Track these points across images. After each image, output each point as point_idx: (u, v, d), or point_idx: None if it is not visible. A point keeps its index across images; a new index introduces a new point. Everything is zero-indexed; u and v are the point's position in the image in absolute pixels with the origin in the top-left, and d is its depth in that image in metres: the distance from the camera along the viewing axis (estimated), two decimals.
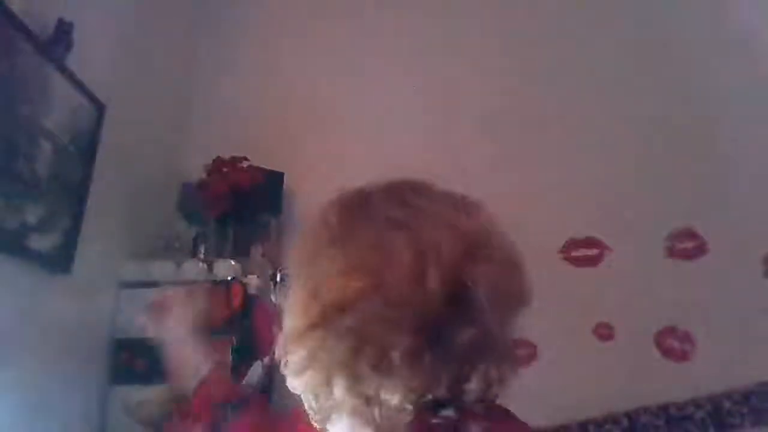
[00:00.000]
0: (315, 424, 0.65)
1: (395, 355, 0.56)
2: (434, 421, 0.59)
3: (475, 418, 0.59)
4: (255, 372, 1.42)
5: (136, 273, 1.80)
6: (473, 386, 0.60)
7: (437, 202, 0.65)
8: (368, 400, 0.58)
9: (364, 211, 0.64)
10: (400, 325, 0.56)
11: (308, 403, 0.64)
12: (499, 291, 0.61)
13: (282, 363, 0.64)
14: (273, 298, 0.80)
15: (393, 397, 0.58)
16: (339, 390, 0.59)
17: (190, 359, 1.00)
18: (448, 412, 0.60)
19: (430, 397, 0.59)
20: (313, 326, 0.59)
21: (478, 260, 0.60)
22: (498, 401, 0.65)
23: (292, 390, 0.64)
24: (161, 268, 1.80)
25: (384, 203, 0.64)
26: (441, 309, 0.57)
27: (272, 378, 1.50)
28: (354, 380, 0.58)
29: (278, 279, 0.76)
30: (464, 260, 0.59)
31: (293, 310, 0.63)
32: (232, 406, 0.89)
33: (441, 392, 0.59)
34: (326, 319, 0.58)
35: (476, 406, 0.60)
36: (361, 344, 0.57)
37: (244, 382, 1.54)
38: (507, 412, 0.65)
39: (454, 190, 0.69)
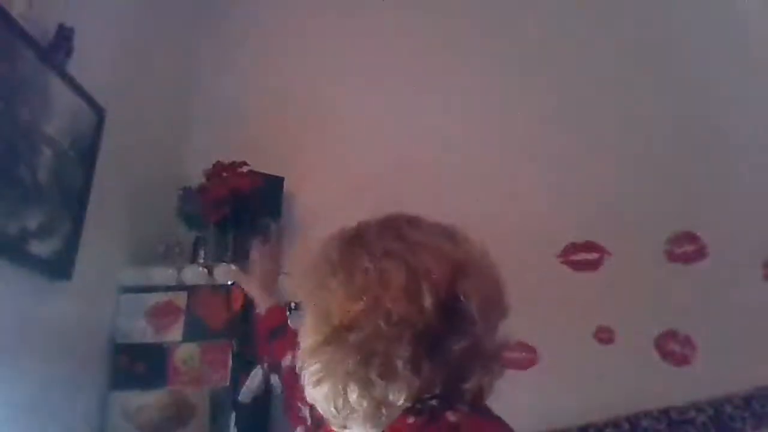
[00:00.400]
0: (335, 429, 0.77)
1: (399, 364, 0.66)
2: (418, 406, 0.68)
3: (454, 410, 0.67)
4: (255, 377, 1.42)
5: (136, 278, 1.80)
6: (467, 386, 0.69)
7: (429, 235, 0.75)
8: (378, 404, 0.68)
9: (362, 244, 0.74)
10: (400, 338, 0.66)
11: (328, 410, 0.73)
12: (487, 303, 0.71)
13: (302, 376, 0.75)
14: (290, 323, 0.98)
15: (398, 399, 0.68)
16: (353, 396, 0.69)
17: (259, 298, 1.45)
18: (432, 403, 0.68)
19: (428, 396, 0.68)
20: (325, 343, 0.70)
21: (467, 276, 0.70)
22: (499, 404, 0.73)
23: (312, 401, 0.75)
24: (161, 273, 1.80)
25: (380, 237, 0.74)
26: (436, 322, 0.67)
27: (270, 384, 1.50)
28: (365, 387, 0.68)
29: (293, 307, 0.92)
30: (455, 277, 0.69)
31: (308, 331, 0.74)
32: (278, 329, 1.26)
33: (438, 392, 0.68)
34: (336, 336, 0.69)
35: (460, 403, 0.68)
36: (368, 356, 0.67)
37: (244, 387, 1.54)
38: (489, 411, 0.72)
39: (445, 222, 0.79)
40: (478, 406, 0.71)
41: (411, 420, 0.67)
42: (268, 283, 1.46)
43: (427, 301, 0.67)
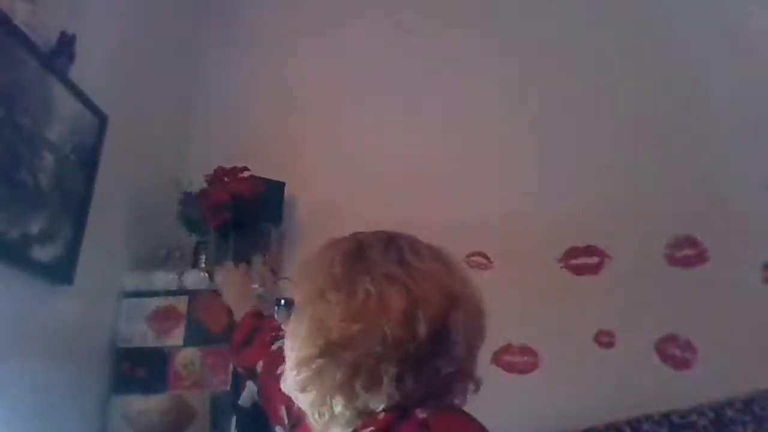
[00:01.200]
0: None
1: (385, 379, 0.70)
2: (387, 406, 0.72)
3: (423, 407, 0.71)
4: (252, 387, 1.42)
5: (138, 282, 1.80)
6: (445, 401, 0.74)
7: (429, 262, 0.79)
8: (360, 413, 0.73)
9: (364, 264, 0.77)
10: (391, 358, 0.70)
11: (311, 416, 0.77)
12: (473, 333, 0.77)
13: (285, 378, 0.79)
14: (276, 317, 0.95)
15: (378, 407, 0.72)
16: (338, 407, 0.73)
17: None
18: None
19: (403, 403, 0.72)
20: (318, 355, 0.73)
21: (459, 309, 0.75)
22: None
23: (296, 401, 0.79)
24: (162, 278, 1.80)
25: (383, 258, 0.77)
26: (426, 347, 0.71)
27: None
28: (350, 398, 0.72)
29: (282, 303, 0.89)
30: (449, 309, 0.74)
31: (300, 336, 0.76)
32: (248, 337, 1.26)
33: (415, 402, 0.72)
34: (329, 351, 0.72)
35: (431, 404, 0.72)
36: (357, 371, 0.71)
37: (244, 391, 1.53)
38: (458, 408, 0.76)
39: (439, 247, 0.83)
40: (447, 406, 0.75)
41: (381, 416, 0.71)
42: (242, 298, 1.45)
43: (422, 329, 0.71)
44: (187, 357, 1.70)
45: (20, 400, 1.36)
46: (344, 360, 0.71)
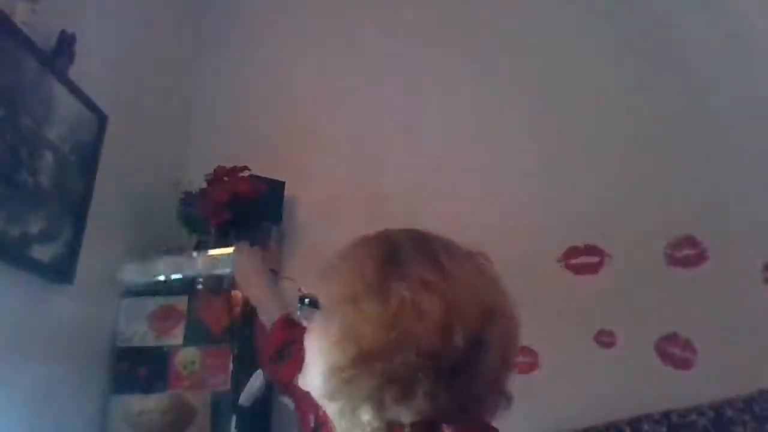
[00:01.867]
0: None
1: (418, 392, 0.67)
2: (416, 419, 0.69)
3: (450, 424, 0.69)
4: (256, 380, 1.42)
5: (140, 272, 1.79)
6: (476, 414, 0.71)
7: (464, 267, 0.74)
8: (388, 424, 0.70)
9: (398, 268, 0.72)
10: (425, 370, 0.67)
11: (338, 424, 0.74)
12: (506, 346, 0.73)
13: (309, 377, 0.76)
14: (300, 315, 0.86)
15: (407, 419, 0.69)
16: (366, 416, 0.70)
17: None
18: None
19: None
20: (349, 365, 0.69)
21: (494, 321, 0.71)
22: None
23: (324, 407, 0.76)
24: (167, 262, 1.79)
25: (417, 262, 0.73)
26: (462, 360, 0.68)
27: (271, 389, 1.50)
28: (379, 409, 0.69)
29: (306, 302, 0.81)
30: (484, 321, 0.70)
31: (329, 341, 0.72)
32: (285, 348, 1.16)
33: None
34: (362, 360, 0.68)
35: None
36: (388, 383, 0.68)
37: (245, 391, 1.53)
38: (491, 428, 0.73)
39: (472, 249, 0.79)
40: (476, 421, 0.72)
41: (408, 429, 0.69)
42: (258, 280, 1.37)
43: (458, 340, 0.67)
44: (187, 357, 1.70)
45: (20, 399, 1.36)
46: (376, 370, 0.68)
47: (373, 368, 0.68)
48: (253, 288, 1.37)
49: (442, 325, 0.67)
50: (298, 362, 1.03)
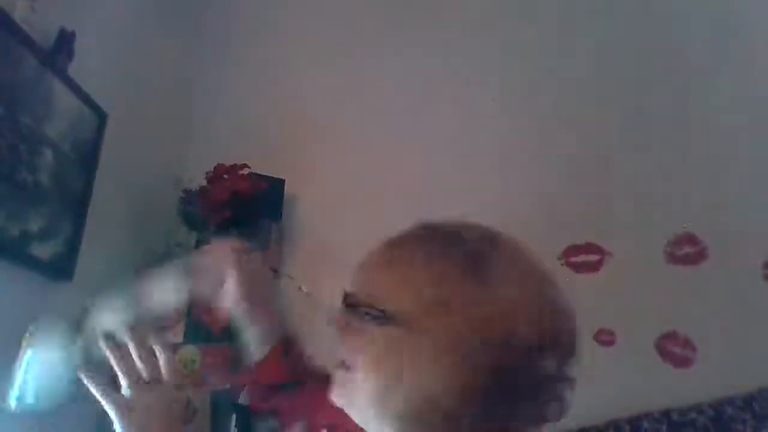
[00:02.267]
0: None
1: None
2: None
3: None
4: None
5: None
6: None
7: (543, 283, 0.68)
8: None
9: (481, 282, 0.63)
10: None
11: None
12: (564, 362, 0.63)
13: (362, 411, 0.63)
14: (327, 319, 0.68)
15: None
16: None
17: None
18: None
19: None
20: (453, 406, 0.58)
21: (563, 353, 0.63)
22: None
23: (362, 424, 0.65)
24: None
25: (500, 277, 0.64)
26: (542, 377, 0.60)
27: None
28: None
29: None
30: (572, 347, 0.63)
31: (420, 360, 0.59)
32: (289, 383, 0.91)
33: None
34: (483, 389, 0.58)
35: None
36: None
37: (242, 397, 1.53)
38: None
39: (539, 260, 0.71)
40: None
41: None
42: (260, 299, 0.94)
43: (550, 363, 0.61)
44: (187, 356, 1.69)
45: None
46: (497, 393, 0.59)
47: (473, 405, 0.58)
48: (252, 306, 0.95)
49: (534, 344, 0.60)
50: (280, 365, 0.89)
